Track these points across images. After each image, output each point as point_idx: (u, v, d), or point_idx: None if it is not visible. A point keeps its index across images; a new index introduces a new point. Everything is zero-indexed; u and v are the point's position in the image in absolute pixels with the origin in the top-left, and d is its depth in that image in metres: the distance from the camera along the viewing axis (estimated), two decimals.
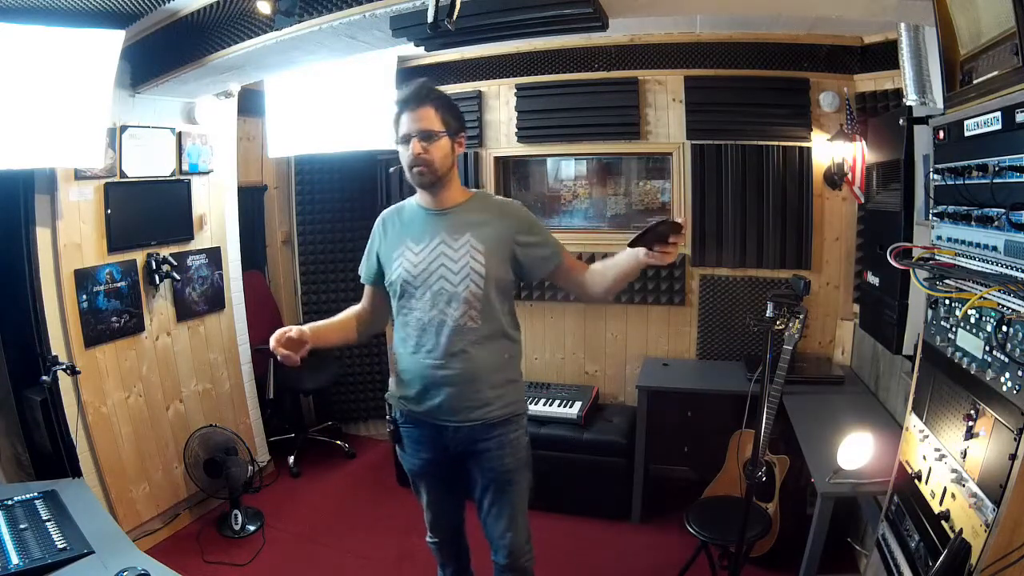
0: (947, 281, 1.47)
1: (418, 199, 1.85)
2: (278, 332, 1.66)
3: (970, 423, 1.33)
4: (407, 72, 3.73)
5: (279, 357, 1.63)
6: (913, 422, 1.66)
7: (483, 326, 1.76)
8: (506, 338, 1.83)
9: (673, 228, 1.50)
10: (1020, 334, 1.16)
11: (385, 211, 1.93)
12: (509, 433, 1.83)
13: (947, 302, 1.49)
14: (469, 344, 1.75)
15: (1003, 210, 1.20)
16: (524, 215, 1.84)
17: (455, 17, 1.74)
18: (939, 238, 1.51)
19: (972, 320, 1.36)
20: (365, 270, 1.94)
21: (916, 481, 1.57)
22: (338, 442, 4.00)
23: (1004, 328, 1.21)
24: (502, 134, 3.68)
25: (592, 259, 3.55)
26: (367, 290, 1.97)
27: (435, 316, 1.75)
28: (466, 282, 1.74)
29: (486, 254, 1.74)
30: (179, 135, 3.13)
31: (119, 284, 2.87)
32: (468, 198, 1.84)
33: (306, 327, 1.73)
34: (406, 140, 1.71)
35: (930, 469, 1.50)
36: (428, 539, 2.12)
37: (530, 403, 3.33)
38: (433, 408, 1.81)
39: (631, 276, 1.74)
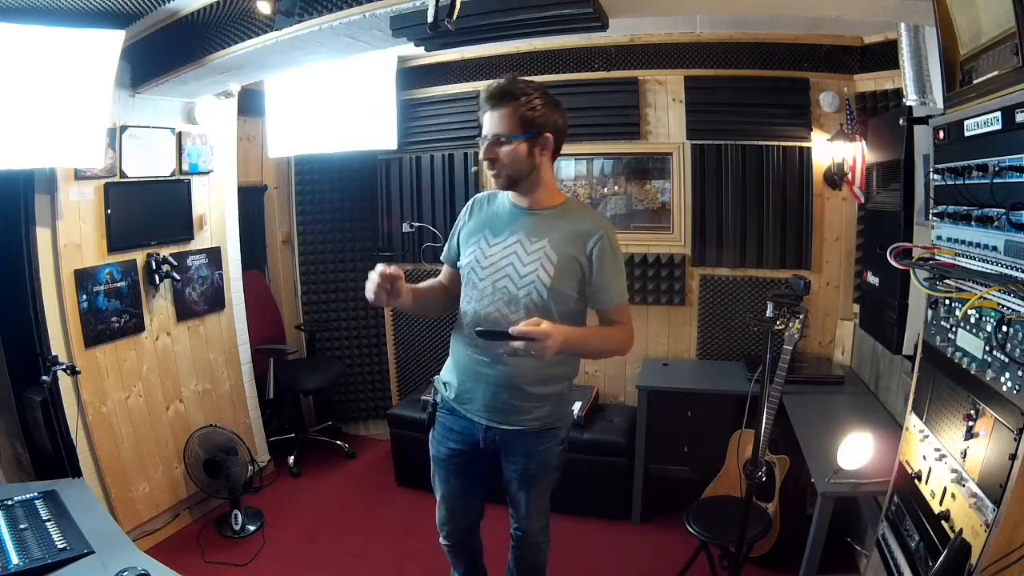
0: (947, 281, 1.47)
1: (510, 192, 1.80)
2: (383, 269, 1.59)
3: (970, 423, 1.33)
4: (407, 72, 3.74)
5: (373, 287, 1.58)
6: (913, 422, 1.66)
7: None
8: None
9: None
10: (1020, 334, 1.16)
11: (479, 194, 1.90)
12: (541, 444, 1.82)
13: (947, 302, 1.49)
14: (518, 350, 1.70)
15: (1003, 210, 1.20)
16: (604, 237, 1.71)
17: (455, 17, 1.74)
18: (939, 238, 1.51)
19: (972, 320, 1.36)
20: (447, 249, 1.91)
21: (916, 481, 1.57)
22: (338, 442, 4.00)
23: (1004, 328, 1.21)
24: None
25: None
26: (444, 270, 1.93)
27: (492, 312, 1.73)
28: (528, 288, 1.70)
29: (557, 266, 1.69)
30: (179, 135, 3.13)
31: (119, 284, 2.87)
32: (558, 203, 1.78)
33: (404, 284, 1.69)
34: (484, 139, 1.69)
35: (930, 469, 1.50)
36: (441, 540, 2.10)
37: None
38: (471, 402, 1.81)
39: (573, 354, 1.79)
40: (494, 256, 1.74)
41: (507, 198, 1.81)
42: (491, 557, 2.31)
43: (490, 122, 1.67)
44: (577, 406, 3.27)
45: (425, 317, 2.03)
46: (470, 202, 1.89)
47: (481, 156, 1.68)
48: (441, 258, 1.94)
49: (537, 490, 1.92)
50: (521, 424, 1.78)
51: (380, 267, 1.60)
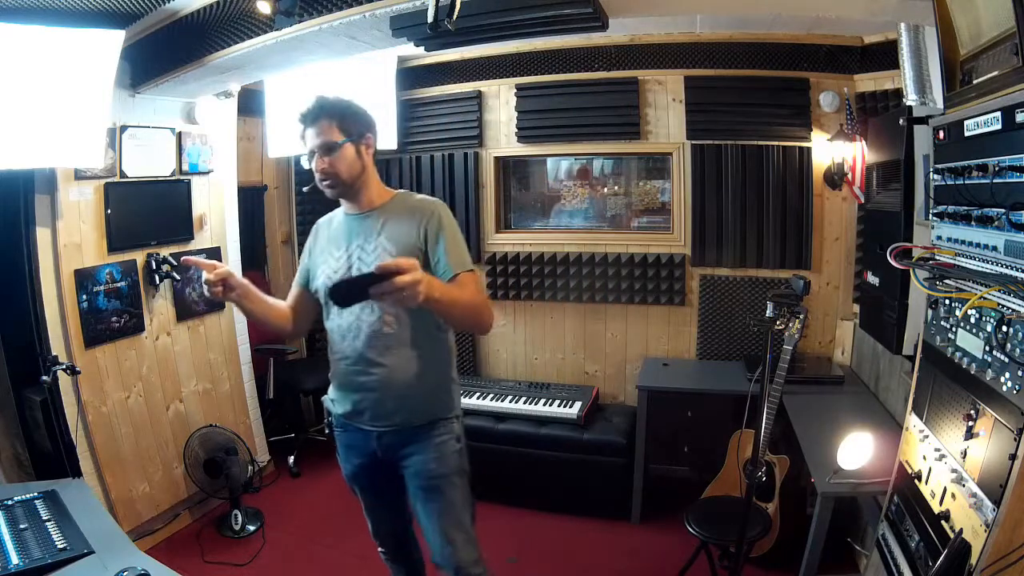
0: (947, 281, 1.47)
1: (343, 205, 1.85)
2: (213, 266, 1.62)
3: (970, 423, 1.33)
4: (407, 72, 3.74)
5: (203, 279, 1.61)
6: (913, 422, 1.66)
7: (400, 330, 1.73)
8: (429, 340, 1.78)
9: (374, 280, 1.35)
10: (1020, 334, 1.16)
11: (321, 219, 1.94)
12: (434, 438, 1.79)
13: (947, 302, 1.49)
14: (387, 349, 1.73)
15: (1003, 210, 1.20)
16: (434, 215, 1.74)
17: (455, 17, 1.74)
18: (939, 238, 1.51)
19: (972, 320, 1.36)
20: (299, 272, 1.93)
21: (916, 481, 1.57)
22: None
23: (1004, 328, 1.21)
24: (502, 134, 3.68)
25: (592, 259, 3.58)
26: (292, 292, 1.93)
27: (352, 322, 1.74)
28: None
29: (397, 255, 1.67)
30: (179, 135, 3.13)
31: (119, 284, 2.87)
32: (388, 199, 1.82)
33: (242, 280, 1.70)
34: (311, 156, 1.72)
35: (930, 469, 1.50)
36: (378, 549, 2.09)
37: (530, 403, 3.35)
38: (358, 413, 1.81)
39: (442, 313, 1.63)
40: (340, 268, 1.77)
41: (341, 212, 1.86)
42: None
43: (315, 135, 1.70)
44: (577, 406, 3.28)
45: (280, 332, 1.97)
46: (314, 227, 1.94)
47: (314, 169, 1.71)
48: (295, 281, 1.94)
49: (446, 502, 1.80)
50: (407, 421, 1.78)
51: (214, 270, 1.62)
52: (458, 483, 1.83)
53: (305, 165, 1.75)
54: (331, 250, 1.82)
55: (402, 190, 1.87)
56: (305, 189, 1.81)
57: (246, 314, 1.83)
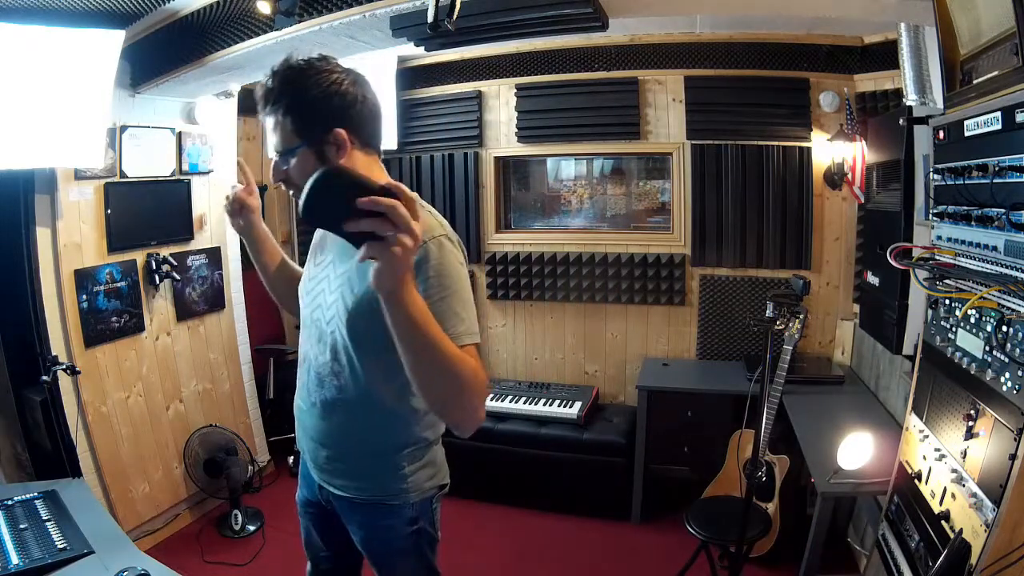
0: (947, 281, 1.47)
1: None
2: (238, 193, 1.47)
3: (970, 423, 1.33)
4: (407, 72, 3.74)
5: (231, 203, 1.47)
6: (913, 422, 1.66)
7: (347, 386, 1.31)
8: (380, 413, 1.32)
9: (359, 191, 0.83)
10: (1020, 334, 1.16)
11: None
12: (379, 519, 1.41)
13: (947, 302, 1.49)
14: (329, 400, 1.35)
15: (1003, 210, 1.20)
16: (427, 254, 1.15)
17: (455, 17, 1.74)
18: (939, 238, 1.51)
19: (972, 320, 1.36)
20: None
21: (916, 481, 1.57)
22: None
23: (1004, 328, 1.21)
24: (502, 134, 3.68)
25: (592, 259, 3.58)
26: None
27: (308, 349, 1.40)
28: (331, 324, 1.31)
29: (358, 298, 1.24)
30: (179, 135, 3.13)
31: (119, 284, 2.87)
32: None
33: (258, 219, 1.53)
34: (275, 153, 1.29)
35: (930, 469, 1.50)
36: None
37: (530, 403, 3.34)
38: (304, 451, 1.49)
39: (404, 343, 1.00)
40: (312, 281, 1.41)
41: None
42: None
43: (270, 132, 1.27)
44: (577, 406, 3.27)
45: (270, 279, 1.62)
46: None
47: (272, 178, 1.32)
48: None
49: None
50: (345, 491, 1.40)
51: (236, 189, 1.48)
52: (411, 565, 1.47)
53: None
54: (315, 252, 1.46)
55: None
56: (274, 187, 1.44)
57: (250, 247, 1.58)
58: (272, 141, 1.26)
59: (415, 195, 0.91)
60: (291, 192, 1.30)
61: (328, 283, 1.34)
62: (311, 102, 1.20)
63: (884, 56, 2.89)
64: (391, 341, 1.04)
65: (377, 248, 0.84)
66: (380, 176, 1.29)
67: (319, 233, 1.47)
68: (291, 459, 3.73)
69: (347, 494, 1.41)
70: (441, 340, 1.01)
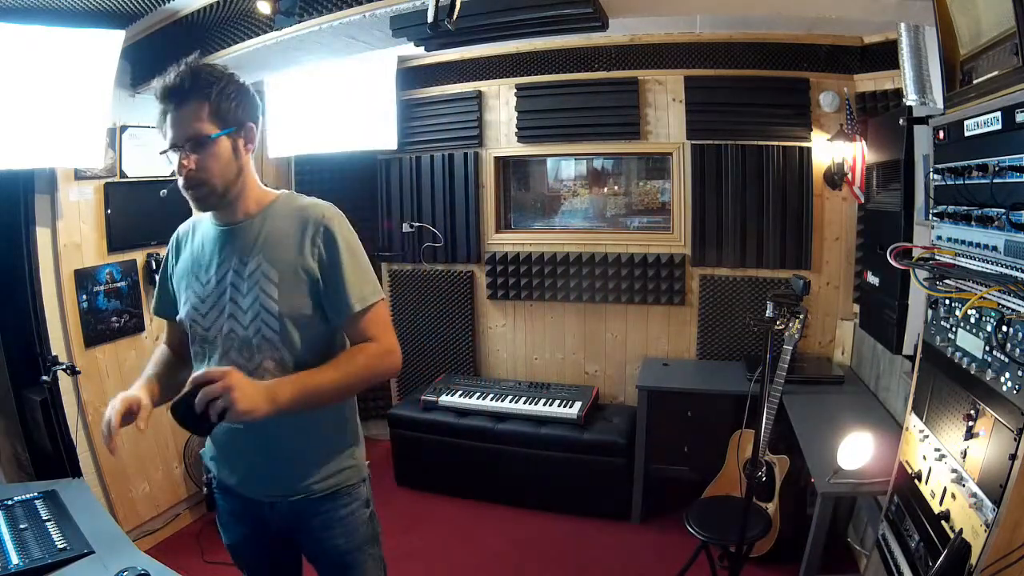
0: (947, 281, 1.47)
1: (212, 214, 1.40)
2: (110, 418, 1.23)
3: (970, 423, 1.33)
4: (407, 72, 3.74)
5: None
6: (913, 422, 1.66)
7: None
8: None
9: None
10: (1020, 334, 1.16)
11: (181, 225, 1.50)
12: (338, 510, 1.43)
13: (947, 302, 1.49)
14: None
15: (1003, 210, 1.20)
16: (325, 227, 1.32)
17: (455, 17, 1.74)
18: (939, 238, 1.51)
19: (972, 320, 1.36)
20: (156, 301, 1.53)
21: (916, 481, 1.57)
22: None
23: (1004, 328, 1.21)
24: (502, 134, 3.68)
25: (592, 259, 3.58)
26: (165, 328, 1.56)
27: (222, 364, 1.34)
28: (257, 324, 1.31)
29: (280, 283, 1.30)
30: None
31: (119, 284, 2.87)
32: (267, 204, 1.38)
33: (137, 392, 1.31)
34: (173, 149, 1.29)
35: (930, 469, 1.50)
36: None
37: (530, 403, 3.34)
38: (241, 481, 1.43)
39: (310, 405, 1.28)
40: (210, 299, 1.36)
41: (209, 222, 1.41)
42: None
43: (177, 125, 1.26)
44: (577, 406, 3.27)
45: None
46: (172, 239, 1.50)
47: (176, 170, 1.30)
48: (153, 312, 1.58)
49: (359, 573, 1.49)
50: (305, 491, 1.40)
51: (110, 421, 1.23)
52: (371, 553, 1.50)
53: (167, 162, 1.33)
54: (198, 274, 1.39)
55: (285, 191, 1.42)
56: (163, 193, 1.35)
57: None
58: (181, 132, 1.27)
59: (293, 192, 1.40)
60: (192, 192, 1.32)
61: (236, 290, 1.33)
62: (232, 95, 1.28)
63: (884, 56, 2.89)
64: (315, 316, 1.33)
65: (227, 408, 1.13)
66: (255, 178, 1.40)
67: (183, 245, 1.46)
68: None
69: (304, 494, 1.40)
70: (325, 380, 1.27)
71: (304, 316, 1.33)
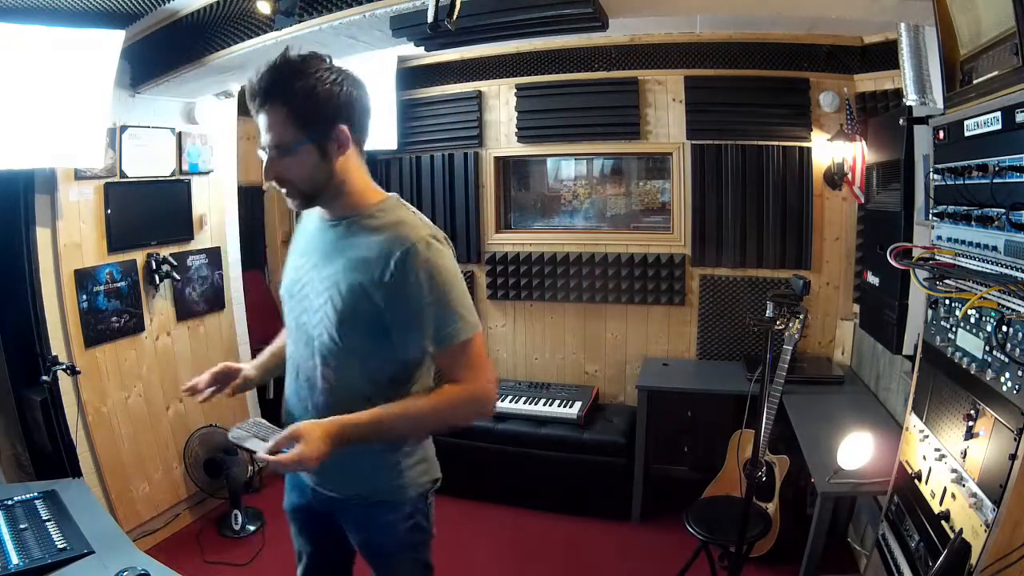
0: (947, 281, 1.47)
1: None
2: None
3: (970, 423, 1.33)
4: (407, 72, 3.74)
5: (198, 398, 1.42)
6: (913, 422, 1.66)
7: (338, 389, 1.31)
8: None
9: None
10: (1020, 334, 1.16)
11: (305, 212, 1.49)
12: (379, 517, 1.41)
13: (947, 302, 1.49)
14: (322, 404, 1.32)
15: (1003, 210, 1.20)
16: (409, 255, 1.21)
17: (455, 17, 1.74)
18: (939, 238, 1.51)
19: (972, 320, 1.36)
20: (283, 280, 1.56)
21: (916, 481, 1.57)
22: None
23: (1004, 328, 1.21)
24: (502, 134, 3.68)
25: (592, 259, 3.58)
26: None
27: (294, 354, 1.40)
28: (320, 328, 1.30)
29: (345, 299, 1.25)
30: (179, 135, 3.13)
31: (119, 284, 2.87)
32: (371, 206, 1.31)
33: (249, 366, 1.53)
34: (262, 151, 1.25)
35: (930, 469, 1.50)
36: None
37: (530, 403, 3.35)
38: None
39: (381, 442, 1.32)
40: (295, 284, 1.38)
41: (317, 211, 1.39)
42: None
43: (263, 128, 1.22)
44: (577, 406, 3.27)
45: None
46: (300, 221, 1.51)
47: (264, 175, 1.27)
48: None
49: (395, 573, 1.49)
50: (342, 493, 1.40)
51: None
52: (409, 560, 1.47)
53: (261, 157, 1.27)
54: (295, 257, 1.43)
55: (394, 197, 1.34)
56: (265, 188, 1.38)
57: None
58: (266, 138, 1.22)
59: (402, 202, 1.32)
60: (284, 191, 1.28)
61: (313, 287, 1.33)
62: (316, 98, 1.19)
63: (884, 56, 2.89)
64: (378, 343, 1.25)
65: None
66: (362, 176, 1.32)
67: (302, 233, 1.45)
68: None
69: (345, 495, 1.40)
70: (396, 419, 1.22)
71: (361, 342, 1.27)
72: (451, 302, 1.23)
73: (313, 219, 1.41)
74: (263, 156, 1.25)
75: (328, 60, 1.25)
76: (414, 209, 1.34)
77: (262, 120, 1.22)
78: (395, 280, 1.21)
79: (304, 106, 1.19)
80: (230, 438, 1.35)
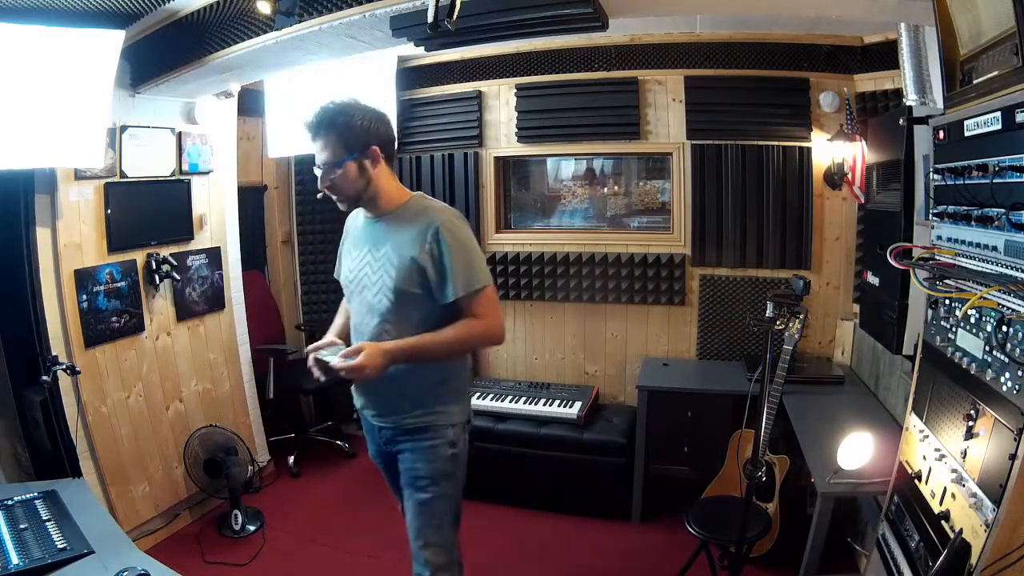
0: (947, 281, 1.47)
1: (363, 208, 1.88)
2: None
3: (970, 423, 1.33)
4: (407, 72, 3.74)
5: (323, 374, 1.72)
6: (913, 422, 1.66)
7: (397, 336, 1.72)
8: None
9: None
10: (1020, 334, 1.16)
11: (348, 216, 1.99)
12: (424, 441, 1.80)
13: (947, 302, 1.49)
14: None
15: (1003, 210, 1.20)
16: (434, 227, 1.71)
17: (455, 17, 1.74)
18: (939, 238, 1.51)
19: (972, 320, 1.36)
20: (336, 270, 2.02)
21: (916, 481, 1.57)
22: (338, 442, 4.00)
23: (1004, 328, 1.21)
24: (502, 134, 3.69)
25: (592, 259, 3.58)
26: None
27: (359, 323, 1.83)
28: (379, 296, 1.76)
29: (398, 268, 1.72)
30: (179, 135, 3.13)
31: (119, 284, 2.87)
32: (400, 204, 1.80)
33: (335, 336, 1.87)
34: (316, 168, 1.75)
35: (930, 469, 1.50)
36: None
37: (530, 403, 3.35)
38: (364, 406, 1.91)
39: (422, 361, 1.75)
40: (354, 270, 1.84)
41: (362, 212, 1.88)
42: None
43: (319, 151, 1.71)
44: (577, 406, 3.28)
45: None
46: (346, 223, 1.99)
47: (319, 186, 1.75)
48: (334, 275, 2.05)
49: (426, 502, 1.81)
50: (399, 422, 1.82)
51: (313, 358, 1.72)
52: (443, 488, 1.81)
53: (316, 174, 1.77)
54: (351, 251, 1.88)
55: (419, 193, 1.85)
56: (319, 195, 1.83)
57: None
58: (321, 157, 1.71)
59: (424, 195, 1.86)
60: (335, 197, 1.76)
61: (370, 267, 1.79)
62: (353, 127, 1.70)
63: (884, 56, 2.89)
64: (422, 300, 1.73)
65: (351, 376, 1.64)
66: (392, 182, 1.81)
67: (349, 230, 1.95)
68: (291, 459, 3.74)
69: (399, 424, 1.81)
70: (433, 342, 1.69)
71: (414, 294, 1.72)
72: (471, 260, 1.73)
73: (359, 220, 1.90)
74: (318, 172, 1.74)
75: (362, 103, 1.76)
76: (434, 199, 1.84)
77: (317, 145, 1.71)
78: (432, 247, 1.69)
79: (345, 133, 1.69)
80: (316, 356, 1.70)
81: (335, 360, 1.65)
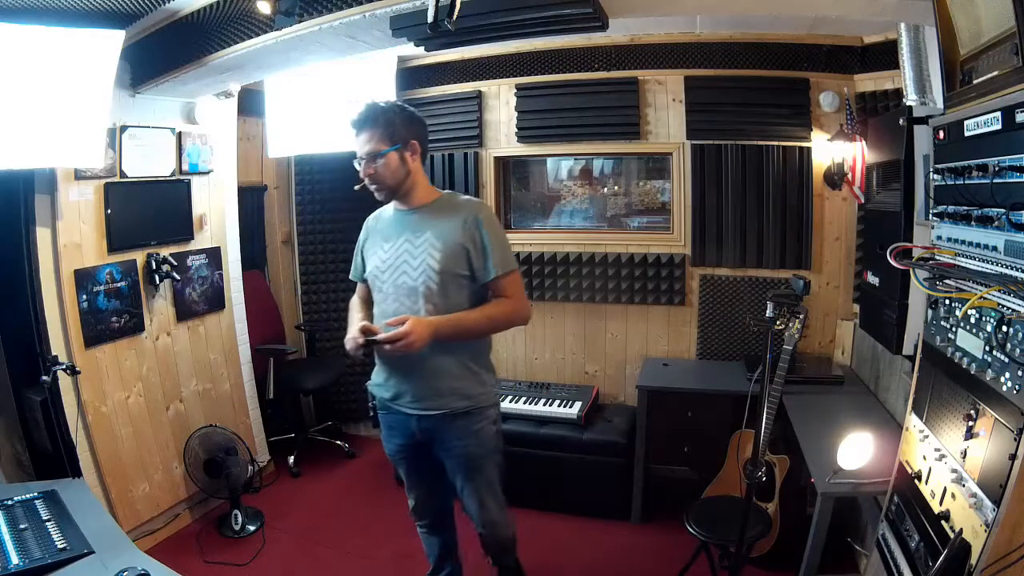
0: (947, 281, 1.47)
1: (393, 203, 2.01)
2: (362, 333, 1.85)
3: (970, 423, 1.33)
4: (407, 72, 3.74)
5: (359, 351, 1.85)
6: (913, 422, 1.66)
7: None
8: None
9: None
10: (1020, 334, 1.16)
11: (370, 216, 2.12)
12: (472, 425, 1.94)
13: (947, 302, 1.50)
14: None
15: (1003, 210, 1.20)
16: (477, 215, 1.91)
17: (455, 17, 1.74)
18: (939, 238, 1.51)
19: (972, 320, 1.36)
20: (353, 268, 2.13)
21: (916, 481, 1.57)
22: (338, 442, 4.00)
23: (1004, 328, 1.21)
24: (502, 134, 3.68)
25: (592, 259, 3.58)
26: (358, 287, 2.16)
27: (397, 308, 1.90)
28: (423, 276, 1.88)
29: (442, 250, 1.87)
30: (179, 135, 3.13)
31: (119, 284, 2.87)
32: (435, 198, 1.97)
33: (362, 324, 1.94)
34: (359, 161, 1.88)
35: (930, 469, 1.50)
36: (416, 525, 2.26)
37: (530, 403, 3.35)
38: (399, 396, 1.96)
39: (459, 339, 1.91)
40: (389, 259, 1.94)
41: (392, 208, 2.02)
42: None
43: (363, 143, 1.85)
44: (577, 406, 3.27)
45: None
46: (366, 222, 2.12)
47: (361, 175, 1.88)
48: (351, 277, 2.16)
49: (484, 476, 2.04)
50: (447, 407, 1.91)
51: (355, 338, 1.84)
52: (494, 459, 2.05)
53: (357, 167, 1.90)
54: (380, 243, 1.98)
55: (448, 190, 2.02)
56: (356, 188, 1.93)
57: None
58: (365, 148, 1.85)
59: (454, 192, 2.06)
60: (374, 187, 1.89)
61: (409, 254, 1.91)
62: (395, 122, 1.86)
63: (884, 56, 2.89)
64: (462, 279, 1.89)
65: (398, 347, 1.76)
66: (426, 178, 1.99)
67: (370, 228, 2.08)
68: (291, 459, 3.74)
69: (447, 409, 1.91)
70: (469, 318, 1.87)
71: (457, 276, 1.87)
72: (504, 245, 1.94)
73: (386, 215, 2.03)
74: (358, 166, 1.88)
75: (403, 104, 1.95)
76: (465, 195, 2.05)
77: (361, 139, 1.85)
78: (475, 233, 1.88)
79: (389, 126, 1.84)
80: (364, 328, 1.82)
81: (381, 334, 1.76)
